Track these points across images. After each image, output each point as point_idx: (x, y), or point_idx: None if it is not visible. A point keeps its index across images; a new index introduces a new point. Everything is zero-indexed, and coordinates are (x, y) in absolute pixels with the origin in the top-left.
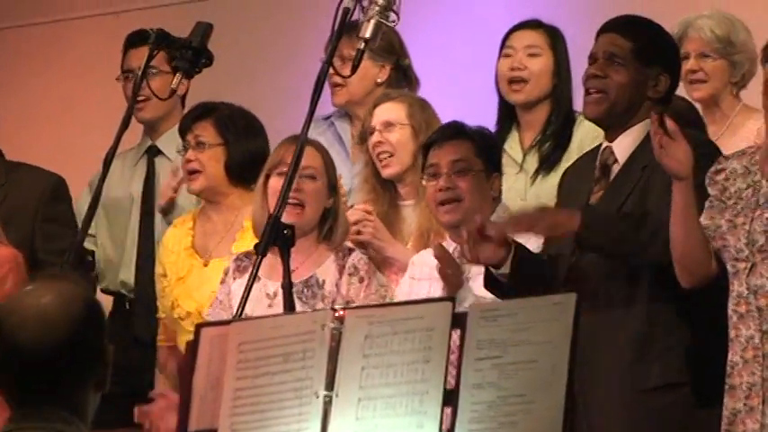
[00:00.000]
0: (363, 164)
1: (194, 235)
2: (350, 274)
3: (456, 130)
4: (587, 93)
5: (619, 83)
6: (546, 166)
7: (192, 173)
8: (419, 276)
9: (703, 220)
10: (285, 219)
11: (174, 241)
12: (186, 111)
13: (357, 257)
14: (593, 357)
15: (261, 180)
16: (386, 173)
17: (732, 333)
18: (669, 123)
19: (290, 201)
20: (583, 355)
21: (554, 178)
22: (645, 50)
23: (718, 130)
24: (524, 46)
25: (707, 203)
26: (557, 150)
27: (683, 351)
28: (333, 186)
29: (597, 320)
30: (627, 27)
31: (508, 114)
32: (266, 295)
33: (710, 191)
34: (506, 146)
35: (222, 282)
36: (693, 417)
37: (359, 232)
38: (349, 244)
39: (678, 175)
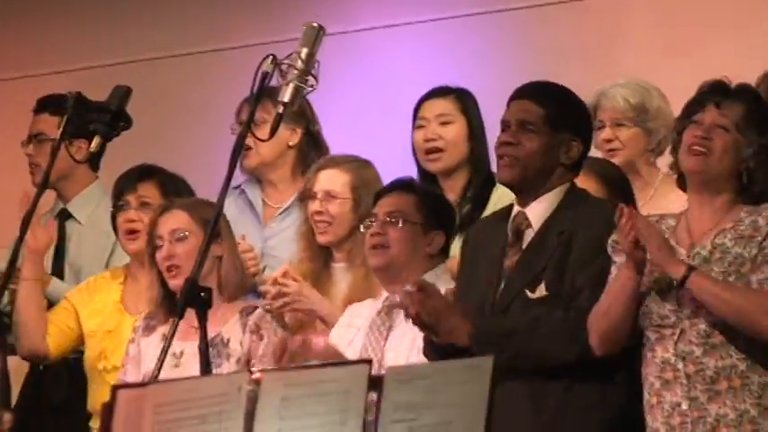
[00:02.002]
0: (301, 221)
1: (124, 291)
2: (251, 332)
3: (401, 184)
4: (500, 158)
5: (531, 149)
6: (463, 225)
7: (133, 232)
8: (354, 324)
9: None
10: (171, 286)
11: (103, 290)
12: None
13: (259, 315)
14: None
15: (149, 253)
16: (321, 240)
17: (653, 399)
18: (625, 210)
19: (167, 266)
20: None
21: None
22: (556, 117)
23: (642, 197)
24: (436, 115)
25: (614, 270)
26: (475, 211)
27: (602, 417)
28: (216, 235)
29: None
30: (538, 93)
31: (428, 181)
32: (172, 354)
33: (615, 258)
34: None
35: (132, 340)
36: None
37: (287, 303)
38: (254, 303)
39: (636, 258)
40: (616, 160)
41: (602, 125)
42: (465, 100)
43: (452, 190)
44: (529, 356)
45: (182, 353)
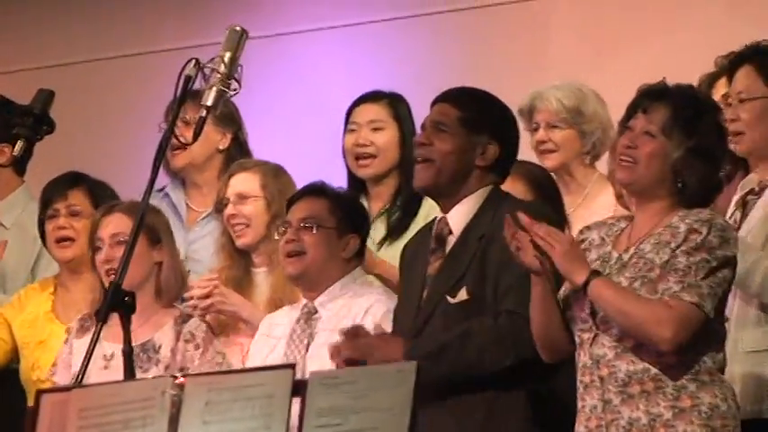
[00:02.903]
0: (220, 232)
1: (55, 301)
2: (186, 341)
3: (312, 189)
4: (415, 161)
5: (444, 150)
6: (394, 234)
7: (65, 240)
8: (273, 334)
9: (561, 292)
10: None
11: (33, 302)
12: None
13: (195, 324)
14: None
15: (89, 256)
16: (240, 242)
17: (579, 404)
18: (523, 218)
19: (107, 270)
20: None
21: (401, 246)
22: (472, 119)
23: (575, 200)
24: (367, 121)
25: None
26: (405, 219)
27: (530, 416)
28: (156, 241)
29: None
30: (456, 97)
31: (356, 186)
32: (103, 356)
33: None
34: None
35: (65, 341)
36: None
37: (211, 304)
38: (188, 310)
39: (538, 271)
40: (550, 162)
41: (536, 127)
42: (398, 106)
43: (381, 197)
44: (464, 368)
45: (112, 355)
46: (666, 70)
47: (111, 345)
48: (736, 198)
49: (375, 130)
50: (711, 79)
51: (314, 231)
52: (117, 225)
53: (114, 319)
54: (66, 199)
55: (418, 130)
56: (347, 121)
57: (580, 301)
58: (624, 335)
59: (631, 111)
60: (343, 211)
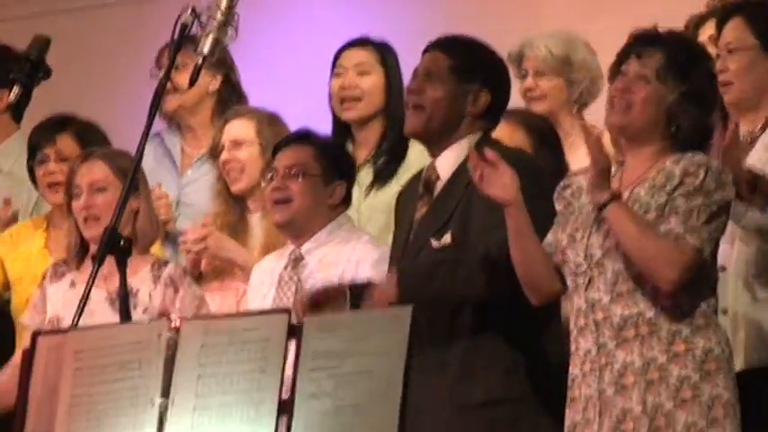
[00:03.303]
0: (215, 178)
1: (48, 238)
2: (165, 285)
3: (298, 136)
4: (406, 107)
5: (435, 97)
6: (380, 179)
7: (55, 184)
8: (259, 282)
9: (548, 236)
10: (87, 236)
11: (26, 240)
12: (38, 122)
13: (173, 269)
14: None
15: (65, 202)
16: (235, 188)
17: (573, 347)
18: (488, 153)
19: (84, 217)
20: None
21: (388, 192)
22: (463, 67)
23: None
24: (354, 65)
25: (555, 220)
26: (391, 164)
27: (510, 367)
28: (134, 188)
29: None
30: (447, 45)
31: (342, 131)
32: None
33: (557, 206)
34: None
35: (39, 285)
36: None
37: (206, 247)
38: (165, 257)
39: (505, 201)
40: (537, 109)
41: (525, 74)
42: (384, 52)
43: (367, 143)
44: (452, 292)
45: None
46: (659, 20)
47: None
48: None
49: (361, 74)
50: (699, 20)
51: (300, 179)
52: (96, 172)
53: (87, 266)
54: (55, 144)
55: (408, 78)
56: (334, 65)
57: (574, 244)
58: (618, 278)
59: (623, 56)
60: (329, 158)
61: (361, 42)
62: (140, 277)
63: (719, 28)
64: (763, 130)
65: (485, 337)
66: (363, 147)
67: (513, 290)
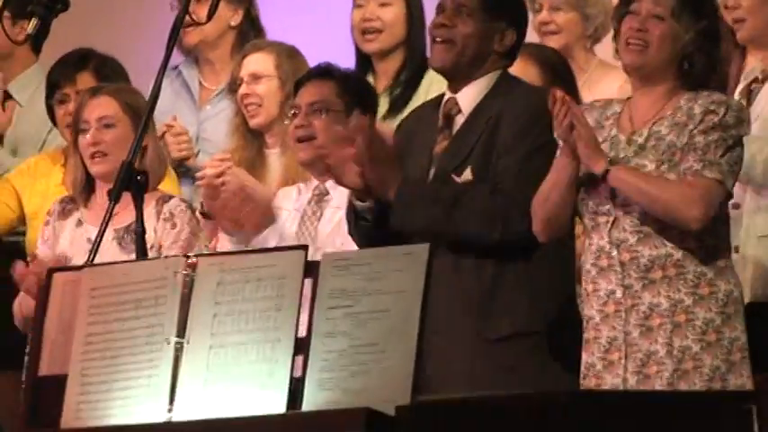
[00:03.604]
0: (233, 113)
1: (65, 174)
2: (164, 219)
3: (319, 71)
4: (433, 41)
5: (466, 33)
6: (394, 109)
7: None
8: (280, 206)
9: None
10: (94, 171)
11: (45, 175)
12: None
13: (175, 204)
14: (436, 306)
15: (71, 139)
16: (253, 122)
17: (589, 287)
18: (558, 93)
19: (92, 153)
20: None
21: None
22: (492, 3)
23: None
24: None
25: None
26: (405, 94)
27: (532, 303)
28: (143, 126)
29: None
30: None
31: (363, 63)
32: (87, 240)
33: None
34: None
35: (46, 223)
36: (543, 367)
37: (223, 183)
38: (170, 191)
39: (582, 156)
40: (552, 44)
41: (539, 8)
42: None
43: (386, 73)
44: (448, 231)
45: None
46: None
47: (93, 228)
48: (740, 87)
49: (382, 5)
50: None
51: (323, 115)
52: (104, 108)
53: (93, 202)
54: (75, 83)
55: (429, 10)
56: None
57: (595, 184)
58: (646, 218)
59: None
60: (352, 93)
61: None
62: (146, 214)
63: None
64: None
65: (508, 271)
66: (383, 78)
67: (524, 239)
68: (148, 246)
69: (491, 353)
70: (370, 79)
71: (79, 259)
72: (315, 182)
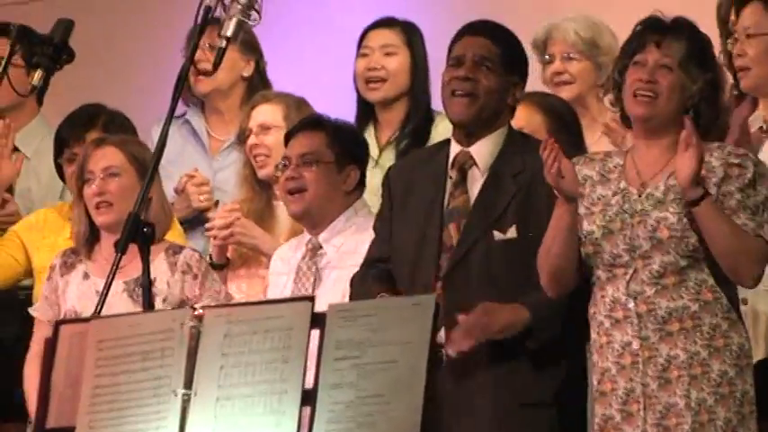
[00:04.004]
0: (242, 164)
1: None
2: (183, 272)
3: (309, 123)
4: (452, 94)
5: (488, 87)
6: None
7: None
8: (278, 271)
9: (585, 228)
10: (99, 222)
11: (53, 230)
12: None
13: (189, 255)
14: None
15: (76, 190)
16: (261, 173)
17: (603, 339)
18: (549, 142)
19: (97, 203)
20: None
21: None
22: (510, 58)
23: (592, 135)
24: (380, 45)
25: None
26: (414, 147)
27: (558, 372)
28: (145, 175)
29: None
30: (493, 32)
31: (366, 112)
32: (95, 292)
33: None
34: None
35: (48, 278)
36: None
37: (232, 234)
38: (177, 242)
39: (574, 197)
40: (565, 94)
41: (551, 59)
42: (411, 32)
43: (389, 122)
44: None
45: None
46: (672, 7)
47: (101, 280)
48: None
49: (387, 54)
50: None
51: (313, 167)
52: (110, 158)
53: (98, 254)
54: (84, 142)
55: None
56: (359, 46)
57: (610, 236)
58: (665, 271)
59: (636, 46)
60: (342, 144)
61: (388, 22)
62: (155, 266)
63: (737, 11)
64: None
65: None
66: (386, 127)
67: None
68: (161, 298)
69: (515, 418)
70: (372, 129)
71: (90, 313)
72: (307, 235)
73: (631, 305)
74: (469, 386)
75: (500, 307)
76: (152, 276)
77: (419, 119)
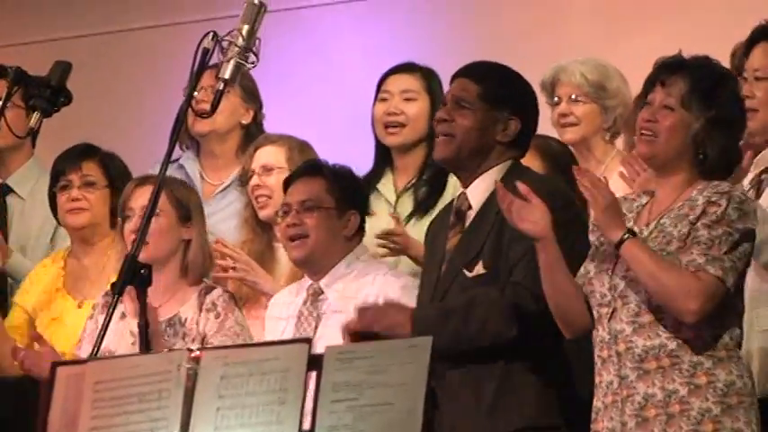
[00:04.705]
0: (243, 205)
1: (66, 275)
2: (207, 310)
3: (308, 169)
4: (436, 137)
5: (465, 126)
6: (421, 209)
7: (78, 209)
8: (277, 315)
9: (582, 268)
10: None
11: (45, 280)
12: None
13: (217, 294)
14: (449, 408)
15: (120, 224)
16: (262, 214)
17: (597, 379)
18: (520, 186)
19: (133, 240)
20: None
21: (427, 221)
22: (493, 94)
23: None
24: (400, 90)
25: (590, 251)
26: (432, 195)
27: (542, 396)
28: (186, 218)
29: (454, 374)
30: (476, 72)
31: (384, 157)
32: (131, 333)
33: (591, 237)
34: (380, 186)
35: (90, 317)
36: None
37: (233, 268)
38: (210, 282)
39: (536, 235)
40: (570, 135)
41: (558, 101)
42: (430, 78)
43: (407, 170)
44: (467, 337)
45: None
46: (682, 47)
47: (135, 321)
48: (750, 176)
49: (407, 100)
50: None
51: (314, 213)
52: (149, 197)
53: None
54: (81, 170)
55: None
56: (378, 90)
57: (600, 275)
58: (642, 309)
59: (649, 85)
60: (342, 189)
61: (408, 68)
62: (188, 306)
63: (747, 51)
64: None
65: (520, 366)
66: (403, 173)
67: (541, 325)
68: (191, 338)
69: None
70: (390, 174)
71: (123, 352)
72: (308, 281)
73: (612, 344)
74: (466, 414)
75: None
76: (184, 317)
77: (437, 165)
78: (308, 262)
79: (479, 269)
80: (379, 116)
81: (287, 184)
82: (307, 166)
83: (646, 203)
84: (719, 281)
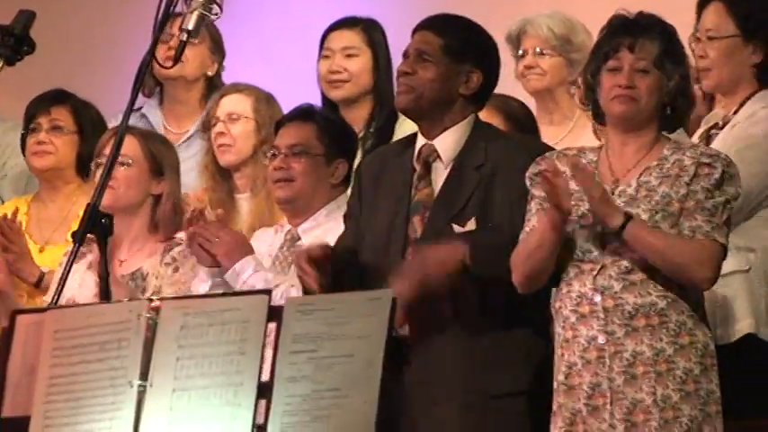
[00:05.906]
0: (204, 151)
1: (29, 221)
2: (166, 264)
3: (301, 113)
4: (398, 88)
5: (425, 78)
6: None
7: (43, 152)
8: (260, 251)
9: (536, 223)
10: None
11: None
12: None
13: (178, 249)
14: (426, 370)
15: (93, 170)
16: (223, 159)
17: (568, 334)
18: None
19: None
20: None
21: None
22: (455, 47)
23: (561, 131)
24: (341, 48)
25: (534, 205)
26: (379, 143)
27: (523, 359)
28: (159, 172)
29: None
30: (438, 24)
31: (331, 111)
32: (95, 282)
33: (535, 192)
34: None
35: (60, 264)
36: (533, 424)
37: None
38: (180, 236)
39: (567, 212)
40: (535, 83)
41: (524, 53)
42: (372, 32)
43: (355, 122)
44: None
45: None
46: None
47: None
48: (699, 131)
49: (349, 56)
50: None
51: (302, 158)
52: (125, 147)
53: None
54: (50, 114)
55: (397, 57)
56: (321, 47)
57: (583, 230)
58: (634, 267)
59: (609, 49)
60: (332, 137)
61: (349, 23)
62: (152, 261)
63: (699, 12)
64: (734, 114)
65: (507, 329)
66: (353, 126)
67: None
68: (149, 292)
69: (486, 408)
70: None
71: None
72: (288, 226)
73: (598, 299)
74: (436, 378)
75: (435, 245)
76: (146, 271)
77: (383, 117)
78: (290, 203)
79: (471, 225)
80: (323, 74)
81: (278, 126)
82: (300, 110)
83: (596, 159)
84: (723, 247)
